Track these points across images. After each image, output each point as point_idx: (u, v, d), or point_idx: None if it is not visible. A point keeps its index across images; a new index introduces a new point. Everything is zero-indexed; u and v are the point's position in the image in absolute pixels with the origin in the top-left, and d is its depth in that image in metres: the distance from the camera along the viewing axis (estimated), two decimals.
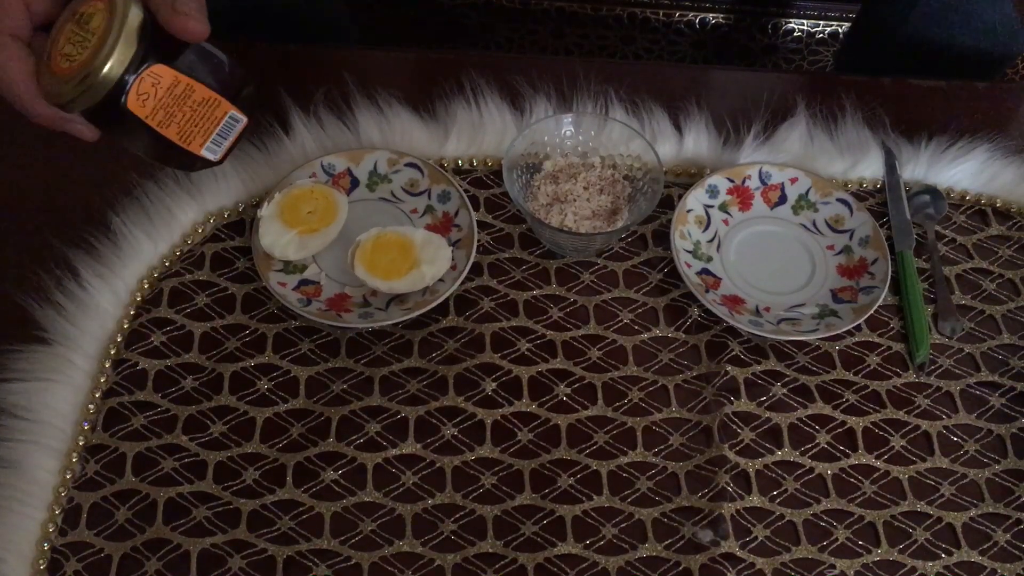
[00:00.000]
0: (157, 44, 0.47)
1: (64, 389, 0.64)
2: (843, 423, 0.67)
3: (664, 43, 1.32)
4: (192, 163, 0.55)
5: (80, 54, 0.45)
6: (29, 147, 0.78)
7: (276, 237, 0.69)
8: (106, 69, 0.45)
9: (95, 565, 0.59)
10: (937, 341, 0.71)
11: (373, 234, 0.69)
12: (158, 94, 0.48)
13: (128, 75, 0.46)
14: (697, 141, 0.79)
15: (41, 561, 0.59)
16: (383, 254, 0.69)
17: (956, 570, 0.61)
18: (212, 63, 0.52)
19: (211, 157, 0.53)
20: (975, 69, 0.97)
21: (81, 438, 0.63)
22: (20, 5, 0.50)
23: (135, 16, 0.46)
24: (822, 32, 1.29)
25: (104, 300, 0.68)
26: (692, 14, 1.29)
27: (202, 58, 0.50)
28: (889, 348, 0.70)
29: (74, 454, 0.63)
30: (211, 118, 0.52)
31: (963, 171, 0.79)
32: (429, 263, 0.69)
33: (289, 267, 0.70)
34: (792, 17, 1.29)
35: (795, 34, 1.31)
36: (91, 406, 0.64)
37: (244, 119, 0.54)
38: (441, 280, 0.69)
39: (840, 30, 1.30)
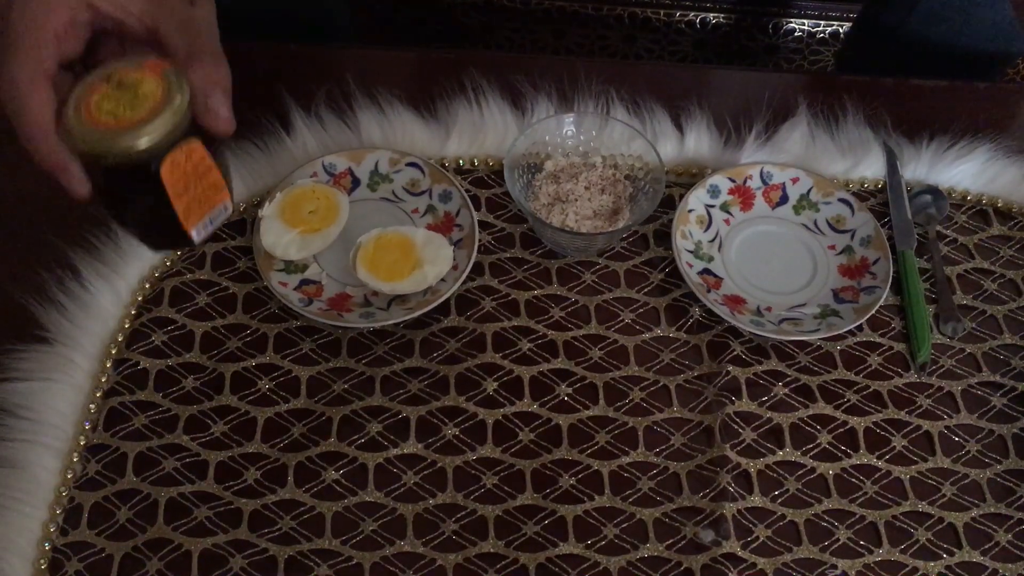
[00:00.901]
0: (194, 119, 0.52)
1: (65, 389, 0.64)
2: (844, 423, 0.67)
3: (665, 43, 1.32)
4: (175, 241, 0.56)
5: (128, 114, 0.49)
6: None
7: (277, 237, 0.69)
8: (161, 134, 0.49)
9: (96, 565, 0.59)
10: (938, 341, 0.71)
11: (374, 235, 0.69)
12: (185, 167, 0.51)
13: (171, 144, 0.50)
14: (698, 141, 0.79)
15: (42, 561, 0.59)
16: (385, 255, 0.69)
17: (958, 570, 0.61)
18: (220, 149, 0.54)
19: (195, 238, 0.54)
20: (976, 69, 0.97)
21: (82, 438, 0.63)
22: (55, 45, 0.52)
23: (187, 91, 0.50)
24: (823, 32, 1.29)
25: (105, 299, 0.68)
26: (693, 14, 1.29)
27: (217, 142, 0.54)
28: (891, 348, 0.70)
29: (75, 454, 0.63)
30: (211, 201, 0.54)
31: (964, 171, 0.79)
32: (431, 263, 0.69)
33: (290, 267, 0.70)
34: (793, 17, 1.28)
35: (796, 34, 1.30)
36: (92, 406, 0.64)
37: (231, 208, 0.56)
38: (443, 280, 0.69)
39: (841, 30, 1.29)
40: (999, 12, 0.94)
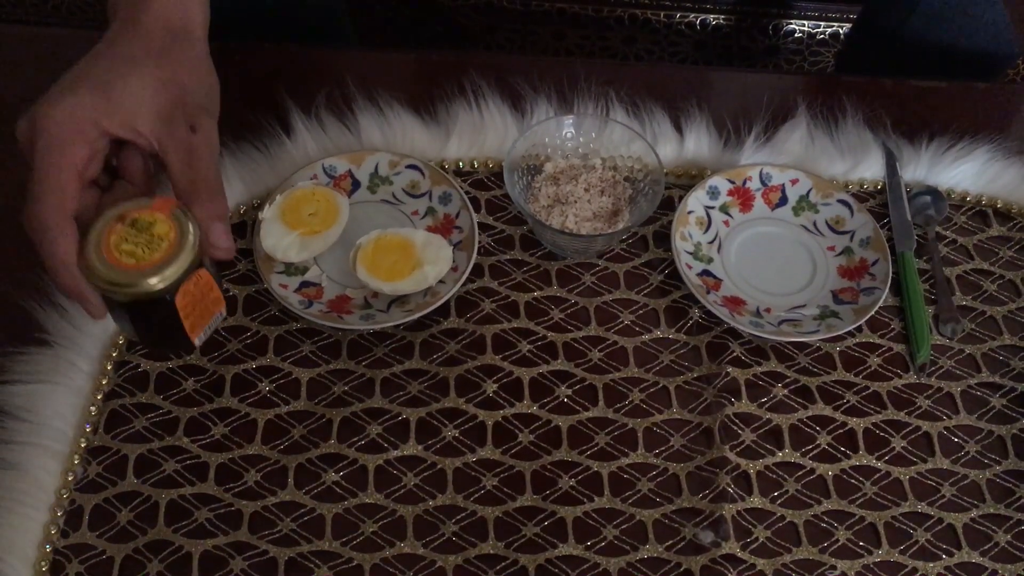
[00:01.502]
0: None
1: (66, 391, 0.64)
2: (844, 424, 0.67)
3: (665, 44, 1.32)
4: (179, 348, 0.64)
5: (146, 255, 0.55)
6: None
7: (277, 239, 0.69)
8: (177, 273, 0.55)
9: (97, 567, 0.59)
10: (938, 342, 0.71)
11: (374, 236, 0.69)
12: (194, 292, 0.57)
13: (184, 278, 0.56)
14: (698, 142, 0.79)
15: (43, 563, 0.59)
16: (385, 256, 0.69)
17: (957, 571, 0.62)
18: (216, 263, 0.61)
19: (197, 344, 0.61)
20: (976, 70, 0.97)
21: (83, 440, 0.63)
22: (77, 182, 0.56)
23: (196, 227, 0.56)
24: (823, 33, 1.29)
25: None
26: (693, 15, 1.29)
27: (207, 258, 0.60)
28: (890, 349, 0.70)
29: (76, 456, 0.63)
30: (211, 312, 0.60)
31: (964, 172, 0.79)
32: (431, 264, 0.69)
33: (290, 269, 0.71)
34: (793, 18, 1.28)
35: (796, 35, 1.30)
36: (93, 408, 0.65)
37: (225, 314, 0.62)
38: (442, 282, 0.70)
39: (841, 31, 1.29)
40: (999, 13, 0.94)
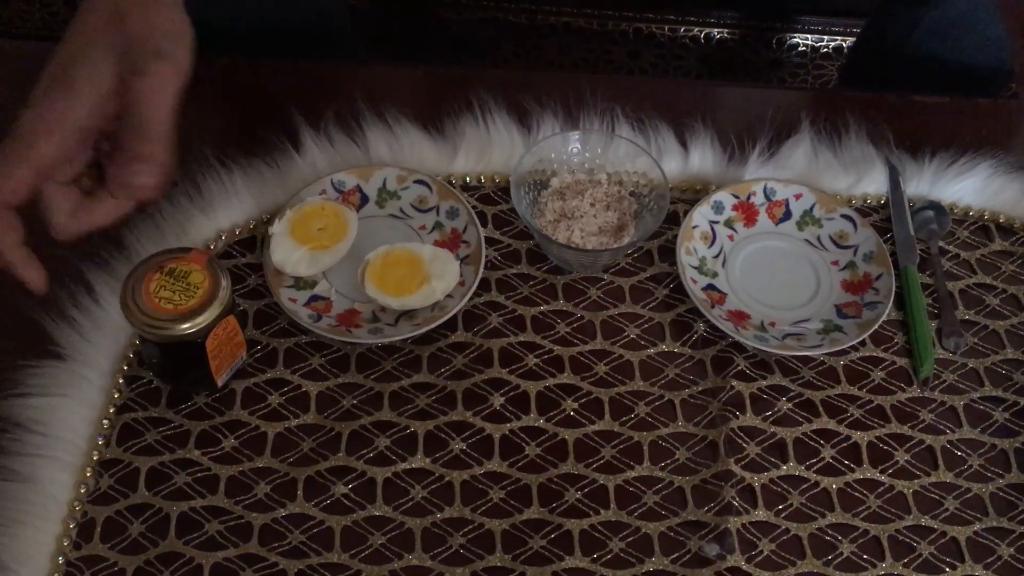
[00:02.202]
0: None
1: (79, 404, 0.65)
2: (848, 438, 0.67)
3: (670, 57, 1.33)
4: (204, 387, 0.67)
5: (184, 302, 0.61)
6: None
7: (287, 254, 0.70)
8: (209, 320, 0.61)
9: None
10: (941, 356, 0.71)
11: (382, 252, 0.70)
12: (222, 337, 0.63)
13: (215, 324, 0.62)
14: (702, 157, 0.80)
15: (56, 574, 0.60)
16: (393, 271, 0.70)
17: None
18: (237, 311, 0.66)
19: (219, 383, 0.66)
20: (979, 85, 0.98)
21: (95, 453, 0.64)
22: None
23: (227, 277, 0.63)
24: (826, 47, 1.30)
25: (118, 316, 0.68)
26: (697, 29, 1.31)
27: (236, 305, 0.67)
28: (893, 363, 0.71)
29: (88, 468, 0.64)
30: (235, 355, 0.66)
31: (966, 187, 0.79)
32: (438, 278, 0.70)
33: (300, 283, 0.71)
34: (796, 32, 1.30)
35: (799, 49, 1.32)
36: (105, 421, 0.65)
37: (246, 356, 0.68)
38: (450, 296, 0.70)
39: (844, 44, 1.31)
40: (1002, 29, 0.94)
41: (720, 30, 1.30)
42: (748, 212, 0.77)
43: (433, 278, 0.70)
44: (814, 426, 0.68)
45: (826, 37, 1.30)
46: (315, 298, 0.71)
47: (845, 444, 0.67)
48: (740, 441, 0.67)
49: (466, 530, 0.63)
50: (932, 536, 0.64)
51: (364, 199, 0.76)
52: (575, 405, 0.68)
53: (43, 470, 0.63)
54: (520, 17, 1.31)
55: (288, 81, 0.86)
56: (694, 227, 0.75)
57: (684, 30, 1.30)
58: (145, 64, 0.59)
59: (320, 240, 0.71)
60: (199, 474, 0.64)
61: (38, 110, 0.58)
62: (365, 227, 0.74)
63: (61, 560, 0.60)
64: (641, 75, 1.33)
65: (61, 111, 0.58)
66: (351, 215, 0.73)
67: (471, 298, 0.71)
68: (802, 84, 1.35)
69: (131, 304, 0.61)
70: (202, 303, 0.61)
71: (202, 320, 0.61)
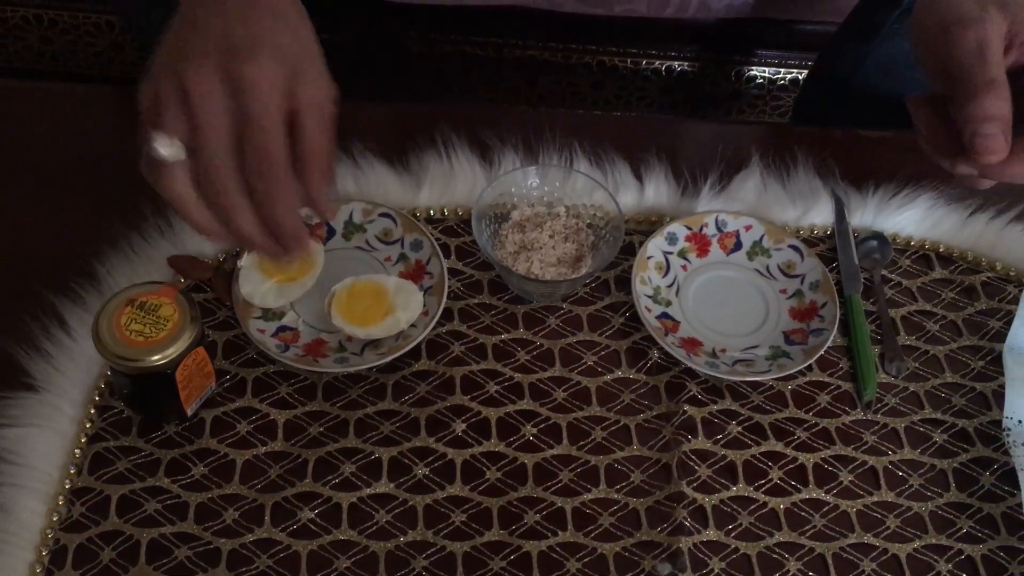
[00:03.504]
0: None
1: (51, 434, 0.67)
2: (795, 459, 0.70)
3: (632, 89, 1.37)
4: (173, 417, 0.69)
5: (154, 334, 0.63)
6: (15, 198, 0.82)
7: (255, 286, 0.72)
8: (178, 351, 0.63)
9: None
10: (883, 380, 0.75)
11: (348, 283, 0.73)
12: (192, 367, 0.65)
13: (184, 356, 0.64)
14: (657, 191, 0.83)
15: None
16: (358, 302, 0.72)
17: None
18: (206, 342, 0.70)
19: (188, 413, 0.69)
20: None
21: (67, 481, 0.66)
22: None
23: (197, 311, 0.65)
24: (783, 79, 1.34)
25: (90, 348, 0.70)
26: (659, 62, 1.34)
27: (205, 336, 0.69)
28: (838, 387, 0.74)
29: (60, 497, 0.65)
30: (203, 385, 0.69)
31: (908, 218, 0.83)
32: (403, 309, 0.72)
33: (268, 314, 0.74)
34: (754, 65, 1.34)
35: (758, 80, 1.36)
36: (77, 451, 0.67)
37: (215, 386, 0.70)
38: (413, 325, 0.73)
39: (800, 77, 1.35)
40: None
41: (681, 63, 1.34)
42: (700, 243, 0.80)
43: (398, 309, 0.72)
44: (762, 448, 0.71)
45: (782, 70, 1.34)
46: (283, 328, 0.73)
47: (792, 465, 0.70)
48: (692, 464, 0.70)
49: (429, 552, 0.65)
50: (874, 553, 0.67)
51: (331, 232, 0.79)
52: (534, 430, 0.71)
53: (16, 499, 0.64)
54: (488, 50, 1.34)
55: None
56: (649, 258, 0.78)
57: (646, 63, 1.34)
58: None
59: (288, 272, 0.73)
60: (169, 501, 0.66)
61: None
62: (332, 259, 0.76)
63: None
64: (604, 106, 1.37)
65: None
66: (318, 248, 0.75)
67: (434, 327, 0.74)
68: (760, 114, 1.39)
69: (102, 337, 0.63)
70: (172, 335, 0.63)
71: (172, 352, 0.63)
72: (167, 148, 0.56)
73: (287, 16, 0.61)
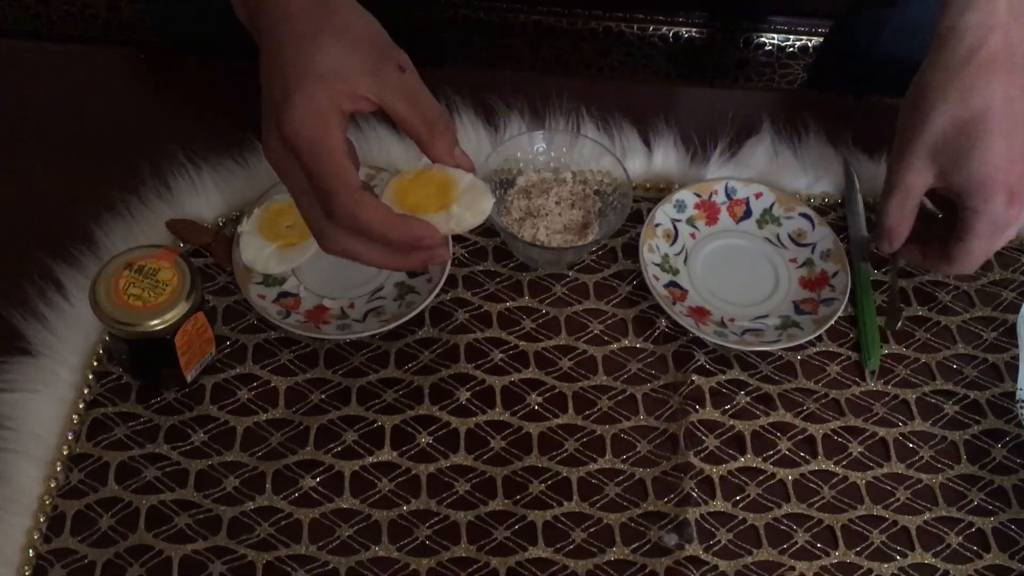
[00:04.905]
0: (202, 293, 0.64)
1: (49, 400, 0.66)
2: (804, 430, 0.69)
3: (639, 56, 1.35)
4: (172, 384, 0.68)
5: (153, 299, 0.62)
6: (11, 160, 0.80)
7: (256, 252, 0.71)
8: (178, 316, 0.62)
9: (79, 571, 0.61)
10: (894, 351, 0.74)
11: (419, 167, 0.63)
12: (191, 333, 0.64)
13: (184, 320, 0.62)
14: (665, 157, 0.81)
15: (26, 567, 0.61)
16: (419, 188, 0.63)
17: (910, 571, 0.64)
18: (206, 307, 0.68)
19: (188, 379, 0.67)
20: None
21: (65, 448, 0.65)
22: (352, 166, 0.58)
23: (196, 274, 0.63)
24: (792, 46, 1.32)
25: (87, 313, 0.69)
26: (666, 28, 1.32)
27: (205, 301, 0.68)
28: (848, 358, 0.73)
29: (58, 463, 0.64)
30: (204, 351, 0.67)
31: None
32: (466, 208, 0.62)
33: (269, 280, 0.72)
34: (763, 32, 1.31)
35: (766, 48, 1.33)
36: (75, 417, 0.66)
37: (215, 353, 0.69)
38: (416, 292, 0.72)
39: (810, 44, 1.33)
40: None
41: (688, 29, 1.32)
42: (710, 211, 0.79)
43: (458, 206, 0.62)
44: (771, 419, 0.70)
45: (792, 37, 1.32)
46: (284, 295, 0.72)
47: (801, 437, 0.69)
48: (700, 434, 0.69)
49: (432, 522, 0.64)
50: (884, 525, 0.66)
51: None
52: (539, 399, 0.70)
53: (13, 465, 0.63)
54: (491, 15, 1.32)
55: (258, 79, 0.86)
56: (657, 225, 0.77)
57: (653, 29, 1.32)
58: (400, 59, 0.60)
59: (288, 237, 0.72)
60: (168, 468, 0.65)
61: (314, 111, 0.57)
62: None
63: (31, 553, 0.61)
64: (609, 74, 1.35)
65: (336, 99, 0.57)
66: None
67: (438, 295, 0.72)
68: (768, 83, 1.37)
69: (100, 301, 0.62)
70: (171, 300, 0.62)
71: (171, 317, 0.62)
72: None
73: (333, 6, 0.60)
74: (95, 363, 0.69)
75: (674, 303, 0.73)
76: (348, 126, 0.59)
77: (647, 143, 0.82)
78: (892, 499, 0.67)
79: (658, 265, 0.75)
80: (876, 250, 0.74)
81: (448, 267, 0.72)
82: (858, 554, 0.64)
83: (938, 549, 0.65)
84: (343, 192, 0.56)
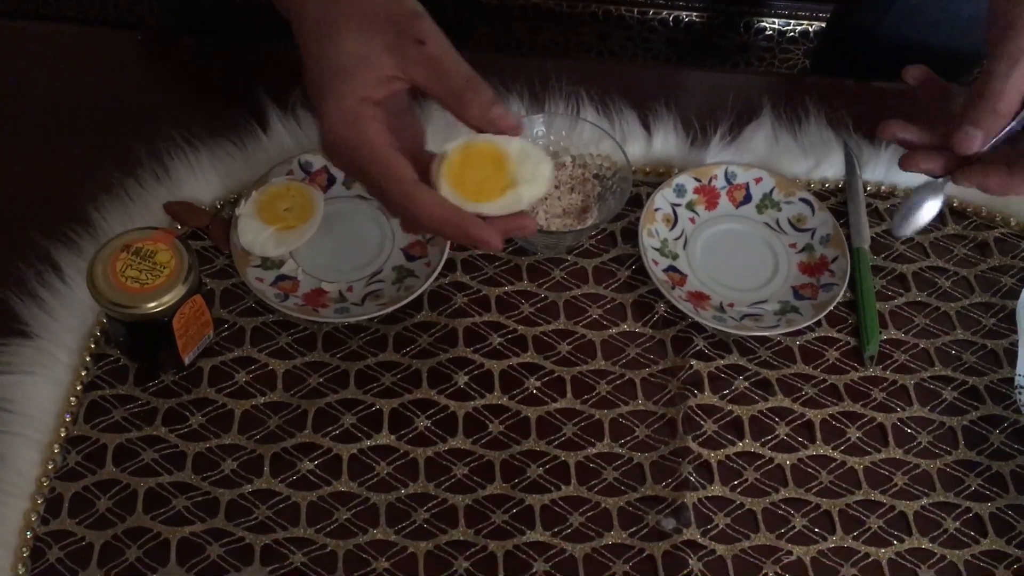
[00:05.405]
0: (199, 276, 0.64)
1: (46, 382, 0.66)
2: (802, 415, 0.69)
3: (638, 40, 1.34)
4: (171, 366, 0.68)
5: (151, 281, 0.61)
6: (11, 144, 0.80)
7: (254, 235, 0.71)
8: (175, 298, 0.62)
9: (77, 553, 0.61)
10: (893, 336, 0.73)
11: (461, 144, 0.59)
12: (189, 315, 0.64)
13: (182, 303, 0.62)
14: (665, 141, 0.81)
15: (24, 549, 0.61)
16: (474, 170, 0.59)
17: (908, 556, 0.64)
18: (204, 290, 0.68)
19: (186, 362, 0.67)
20: (950, 69, 0.99)
21: (63, 430, 0.65)
22: (396, 150, 0.57)
23: (193, 256, 0.63)
24: (793, 31, 1.31)
25: (84, 295, 0.69)
26: (666, 12, 1.31)
27: (202, 284, 0.67)
28: (847, 343, 0.73)
29: (56, 445, 0.64)
30: (201, 334, 0.67)
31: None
32: (527, 183, 0.59)
33: (267, 263, 0.72)
34: (764, 16, 1.31)
35: (767, 32, 1.33)
36: (73, 399, 0.66)
37: (213, 335, 0.68)
38: (415, 276, 0.71)
39: (810, 29, 1.32)
40: (977, 7, 0.95)
41: (688, 14, 1.31)
42: (709, 195, 0.78)
43: (521, 182, 0.59)
44: (769, 404, 0.70)
45: (792, 21, 1.31)
46: (282, 278, 0.72)
47: (799, 422, 0.69)
48: (698, 419, 0.69)
49: (430, 505, 0.64)
50: (881, 510, 0.66)
51: (331, 180, 0.77)
52: (538, 383, 0.70)
53: (10, 447, 0.63)
54: None
55: (256, 62, 0.86)
56: (656, 210, 0.77)
57: (653, 13, 1.31)
58: (419, 30, 0.58)
59: (287, 220, 0.72)
60: (166, 451, 0.65)
61: (345, 110, 0.57)
62: (332, 208, 0.75)
63: (29, 535, 0.61)
64: (609, 58, 1.34)
65: (361, 90, 0.57)
66: (317, 195, 0.73)
67: (436, 278, 0.72)
68: (768, 68, 1.36)
69: (97, 283, 0.62)
70: (168, 282, 0.62)
71: (168, 299, 0.62)
72: None
73: None
74: (93, 345, 0.68)
75: (673, 288, 0.73)
76: (401, 106, 0.60)
77: (647, 127, 0.81)
78: (890, 484, 0.67)
79: (657, 250, 0.75)
80: (955, 146, 0.67)
81: (447, 251, 0.72)
82: (855, 539, 0.65)
83: (935, 534, 0.65)
84: (394, 188, 0.57)
